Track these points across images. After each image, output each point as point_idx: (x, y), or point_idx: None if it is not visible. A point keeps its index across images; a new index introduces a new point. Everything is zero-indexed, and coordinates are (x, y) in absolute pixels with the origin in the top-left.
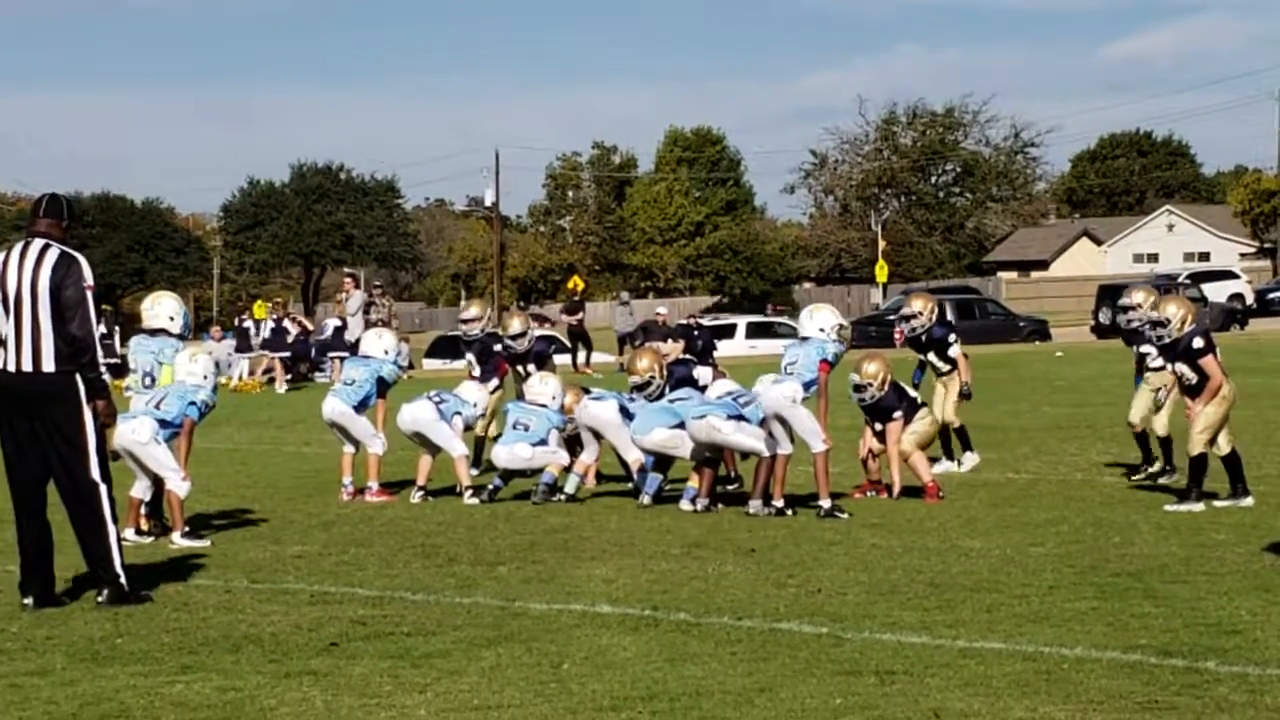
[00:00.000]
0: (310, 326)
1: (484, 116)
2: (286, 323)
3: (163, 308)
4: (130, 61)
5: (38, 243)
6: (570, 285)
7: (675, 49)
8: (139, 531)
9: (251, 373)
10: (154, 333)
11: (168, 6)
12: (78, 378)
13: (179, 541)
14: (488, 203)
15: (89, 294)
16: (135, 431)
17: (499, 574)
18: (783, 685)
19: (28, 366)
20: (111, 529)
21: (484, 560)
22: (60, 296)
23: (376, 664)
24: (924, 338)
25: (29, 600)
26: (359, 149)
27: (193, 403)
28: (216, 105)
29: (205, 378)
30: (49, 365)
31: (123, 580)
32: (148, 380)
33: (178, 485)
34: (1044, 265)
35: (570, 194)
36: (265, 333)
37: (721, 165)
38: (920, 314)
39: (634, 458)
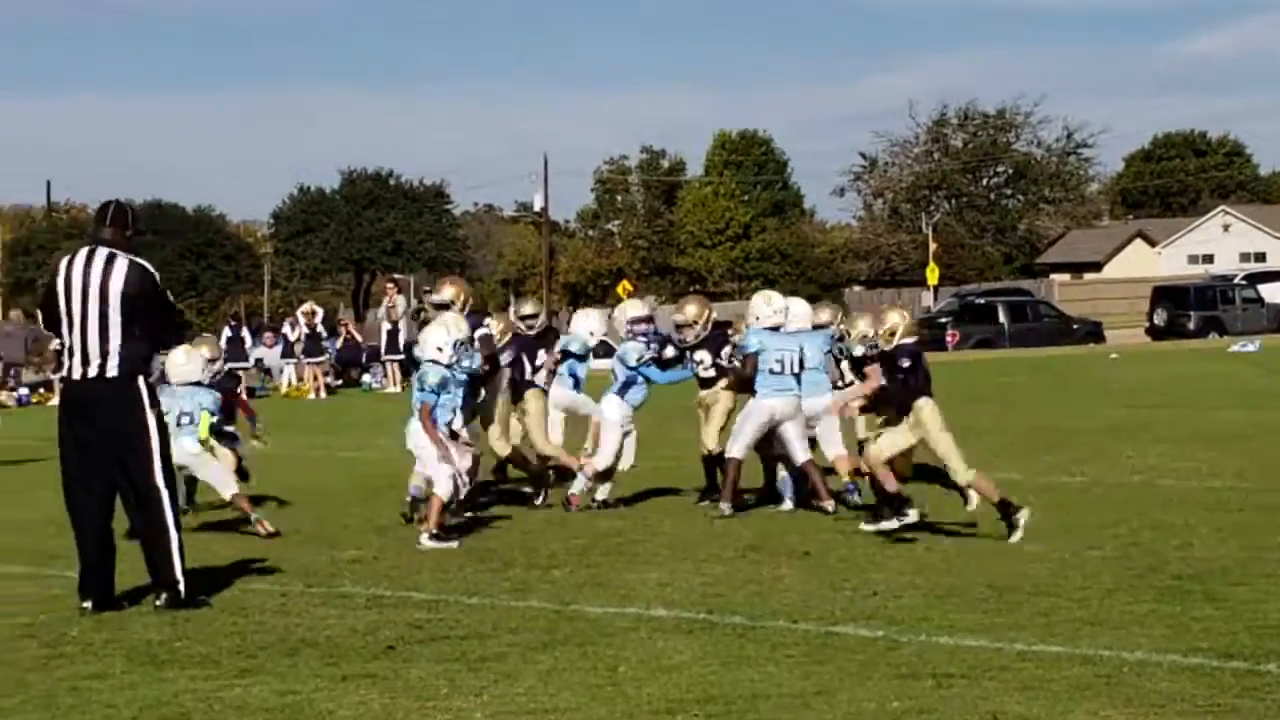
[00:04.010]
0: (357, 334)
1: (532, 121)
2: (320, 327)
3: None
4: (181, 68)
5: (103, 251)
6: (619, 289)
7: (724, 53)
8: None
9: (300, 378)
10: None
11: (218, 12)
12: (141, 383)
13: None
14: (536, 207)
15: (166, 297)
16: (413, 434)
17: (553, 578)
18: (839, 688)
19: (93, 373)
20: (173, 534)
21: (538, 564)
22: (131, 304)
23: (433, 667)
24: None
25: (88, 604)
26: (408, 155)
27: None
28: (267, 112)
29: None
30: (113, 371)
31: (181, 585)
32: (186, 419)
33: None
34: (1097, 267)
35: (619, 198)
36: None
37: (769, 168)
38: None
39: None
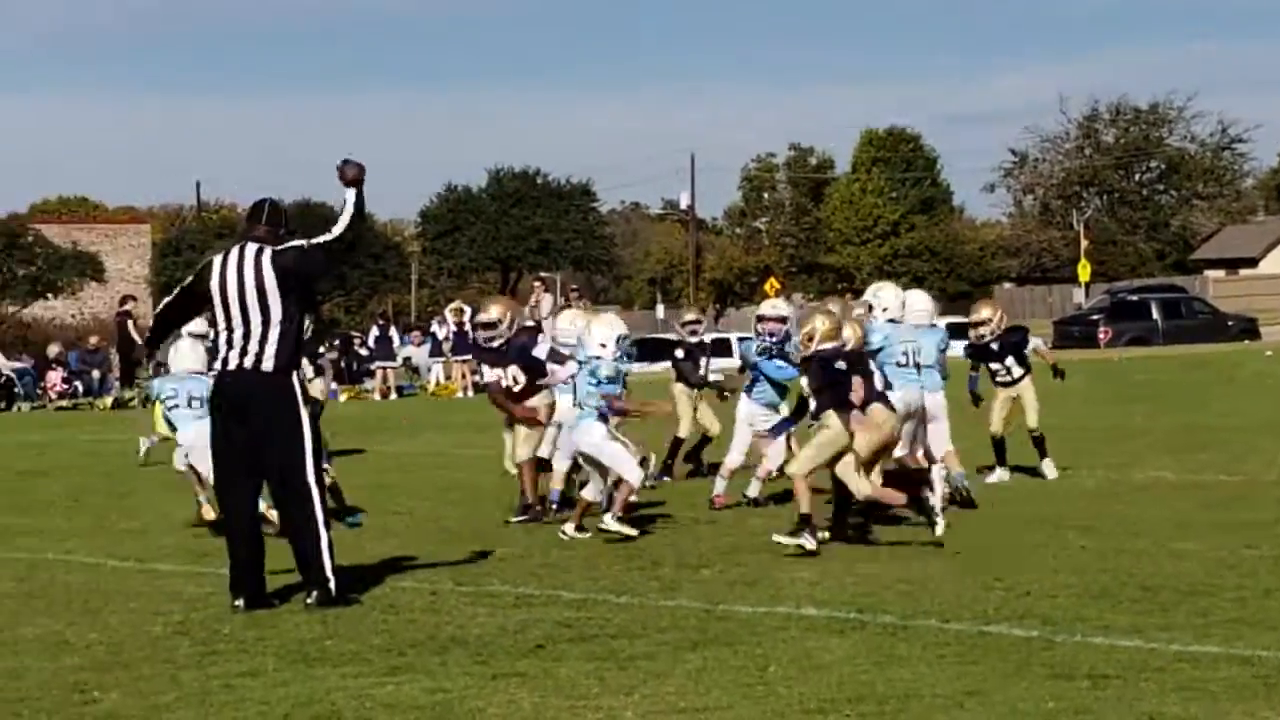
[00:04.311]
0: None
1: (679, 119)
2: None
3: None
4: (331, 68)
5: (253, 246)
6: (766, 287)
7: (872, 49)
8: (579, 529)
9: (448, 376)
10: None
11: (368, 11)
12: (295, 379)
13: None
14: (683, 205)
15: (314, 296)
16: (588, 433)
17: (702, 577)
18: (993, 688)
19: (248, 365)
20: (323, 532)
21: (687, 563)
22: (291, 286)
23: (582, 666)
24: (996, 344)
25: (240, 602)
26: (556, 153)
27: None
28: (416, 112)
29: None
30: (269, 365)
31: (332, 583)
32: (195, 404)
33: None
34: (1252, 263)
35: (766, 196)
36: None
37: (917, 164)
38: (990, 320)
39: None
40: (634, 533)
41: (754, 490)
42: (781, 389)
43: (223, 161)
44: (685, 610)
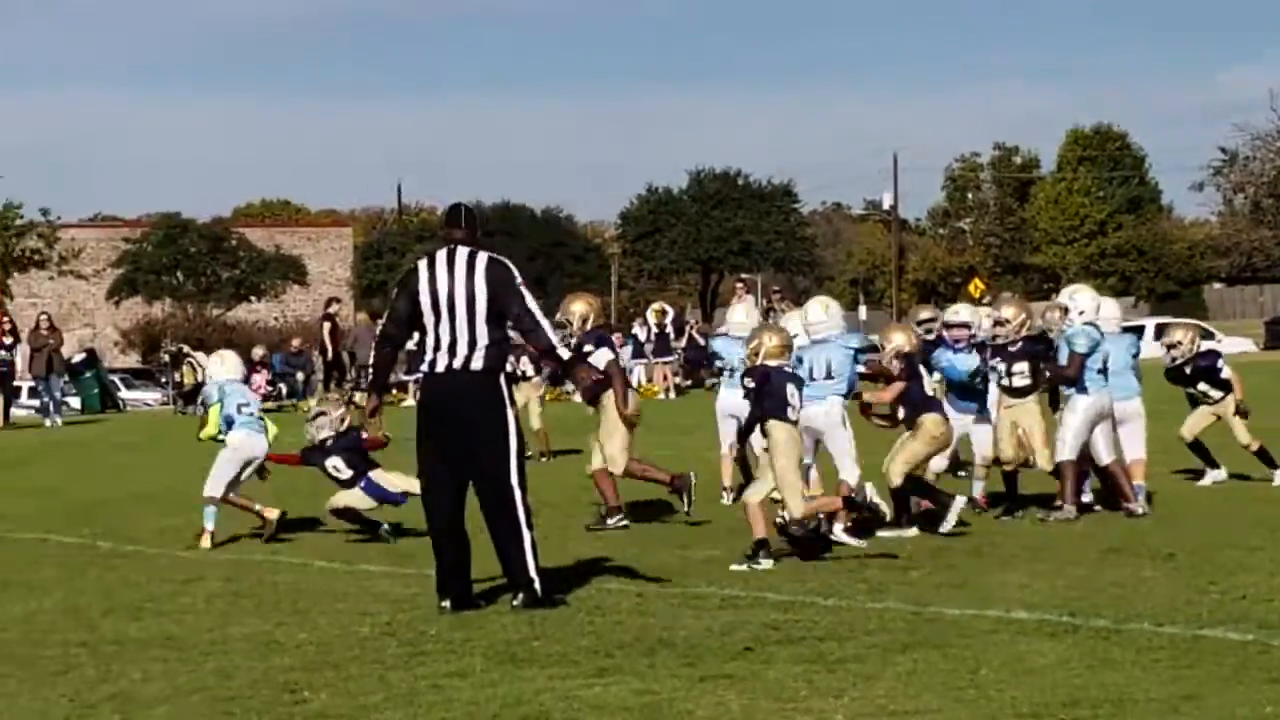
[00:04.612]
0: (698, 336)
1: (882, 119)
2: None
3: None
4: (530, 70)
5: (464, 249)
6: (971, 288)
7: (1078, 47)
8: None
9: (649, 378)
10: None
11: (568, 14)
12: (503, 381)
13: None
14: (885, 205)
15: (527, 292)
16: (829, 414)
17: (910, 579)
18: (1209, 693)
19: (458, 365)
20: (527, 533)
21: (895, 565)
22: (498, 300)
23: (791, 668)
24: (1188, 368)
25: (447, 603)
26: (756, 154)
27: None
28: (616, 114)
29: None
30: (478, 365)
31: (537, 584)
32: (244, 410)
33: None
34: None
35: (970, 195)
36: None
37: (1124, 163)
38: (1181, 343)
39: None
40: (865, 544)
41: (978, 491)
42: (968, 386)
43: (424, 164)
44: (893, 612)
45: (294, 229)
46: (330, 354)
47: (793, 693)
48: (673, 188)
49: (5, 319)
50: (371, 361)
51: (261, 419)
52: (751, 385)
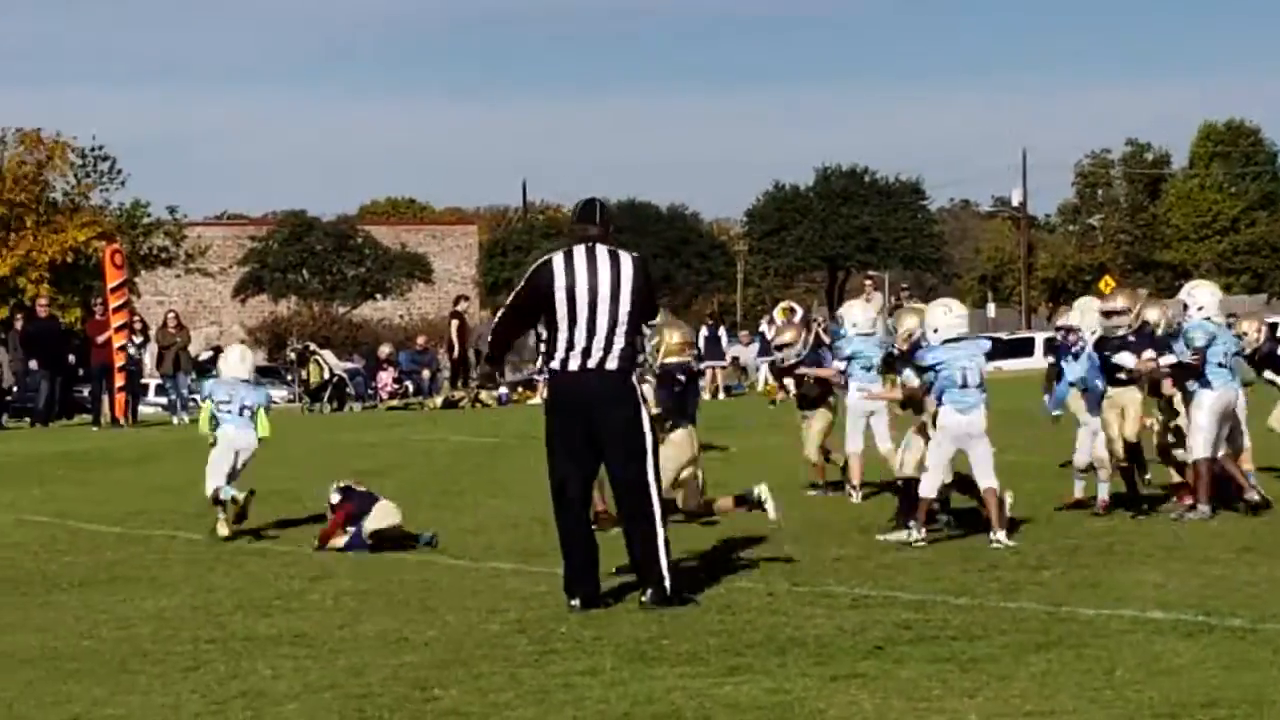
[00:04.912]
0: (824, 334)
1: (1010, 115)
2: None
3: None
4: (656, 69)
5: (603, 247)
6: (1101, 285)
7: (1209, 42)
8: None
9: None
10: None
11: (693, 13)
12: (636, 379)
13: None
14: (1014, 202)
15: (652, 293)
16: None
17: (1043, 579)
18: None
19: (592, 365)
20: (661, 530)
21: (1027, 565)
22: (642, 301)
23: (924, 668)
24: (1255, 356)
25: (576, 601)
26: (884, 151)
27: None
28: (742, 111)
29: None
30: (613, 364)
31: (668, 582)
32: (246, 412)
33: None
34: None
35: (1100, 192)
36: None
37: (1257, 158)
38: (1248, 334)
39: None
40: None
41: (1104, 492)
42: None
43: (548, 162)
44: (1027, 612)
45: (419, 227)
46: (458, 352)
47: (925, 692)
48: (799, 185)
49: (135, 317)
50: (489, 339)
51: (253, 415)
52: (682, 380)
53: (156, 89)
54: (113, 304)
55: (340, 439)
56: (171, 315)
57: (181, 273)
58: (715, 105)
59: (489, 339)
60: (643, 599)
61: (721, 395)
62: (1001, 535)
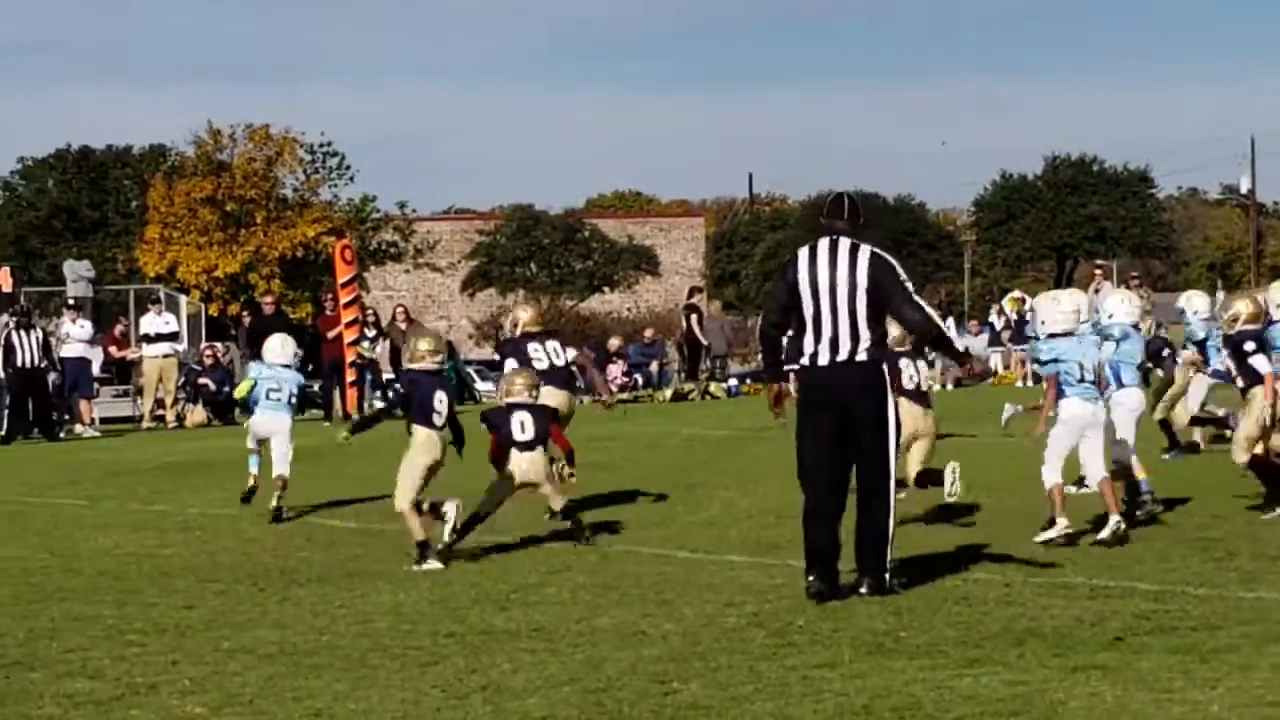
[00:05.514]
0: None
1: (1240, 102)
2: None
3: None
4: (881, 60)
5: (845, 240)
6: None
7: None
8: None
9: (1006, 365)
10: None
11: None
12: (886, 371)
13: None
14: (1243, 190)
15: (908, 285)
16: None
17: None
18: None
19: (842, 357)
20: (891, 523)
21: (1265, 554)
22: (878, 292)
23: (1164, 659)
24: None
25: (812, 577)
26: (1111, 139)
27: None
28: (969, 102)
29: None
30: (863, 356)
31: (887, 573)
32: (294, 400)
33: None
34: None
35: None
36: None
37: None
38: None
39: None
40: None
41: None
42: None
43: (774, 154)
44: (1267, 602)
45: (646, 219)
46: (700, 344)
47: (1166, 683)
48: (1027, 174)
49: (369, 312)
50: (760, 348)
51: (292, 400)
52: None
53: (385, 87)
54: (343, 299)
55: (572, 433)
56: (401, 310)
57: (410, 267)
58: (942, 94)
59: (760, 353)
60: (860, 589)
61: (949, 385)
62: (1115, 519)
